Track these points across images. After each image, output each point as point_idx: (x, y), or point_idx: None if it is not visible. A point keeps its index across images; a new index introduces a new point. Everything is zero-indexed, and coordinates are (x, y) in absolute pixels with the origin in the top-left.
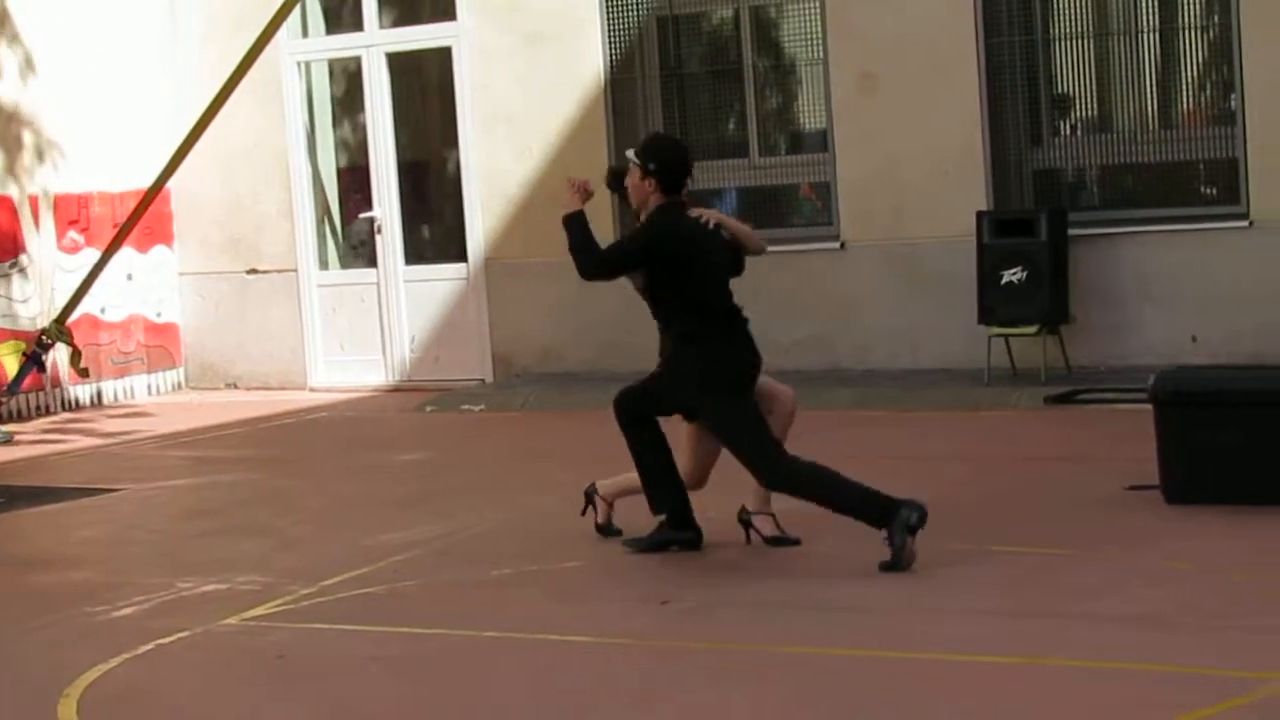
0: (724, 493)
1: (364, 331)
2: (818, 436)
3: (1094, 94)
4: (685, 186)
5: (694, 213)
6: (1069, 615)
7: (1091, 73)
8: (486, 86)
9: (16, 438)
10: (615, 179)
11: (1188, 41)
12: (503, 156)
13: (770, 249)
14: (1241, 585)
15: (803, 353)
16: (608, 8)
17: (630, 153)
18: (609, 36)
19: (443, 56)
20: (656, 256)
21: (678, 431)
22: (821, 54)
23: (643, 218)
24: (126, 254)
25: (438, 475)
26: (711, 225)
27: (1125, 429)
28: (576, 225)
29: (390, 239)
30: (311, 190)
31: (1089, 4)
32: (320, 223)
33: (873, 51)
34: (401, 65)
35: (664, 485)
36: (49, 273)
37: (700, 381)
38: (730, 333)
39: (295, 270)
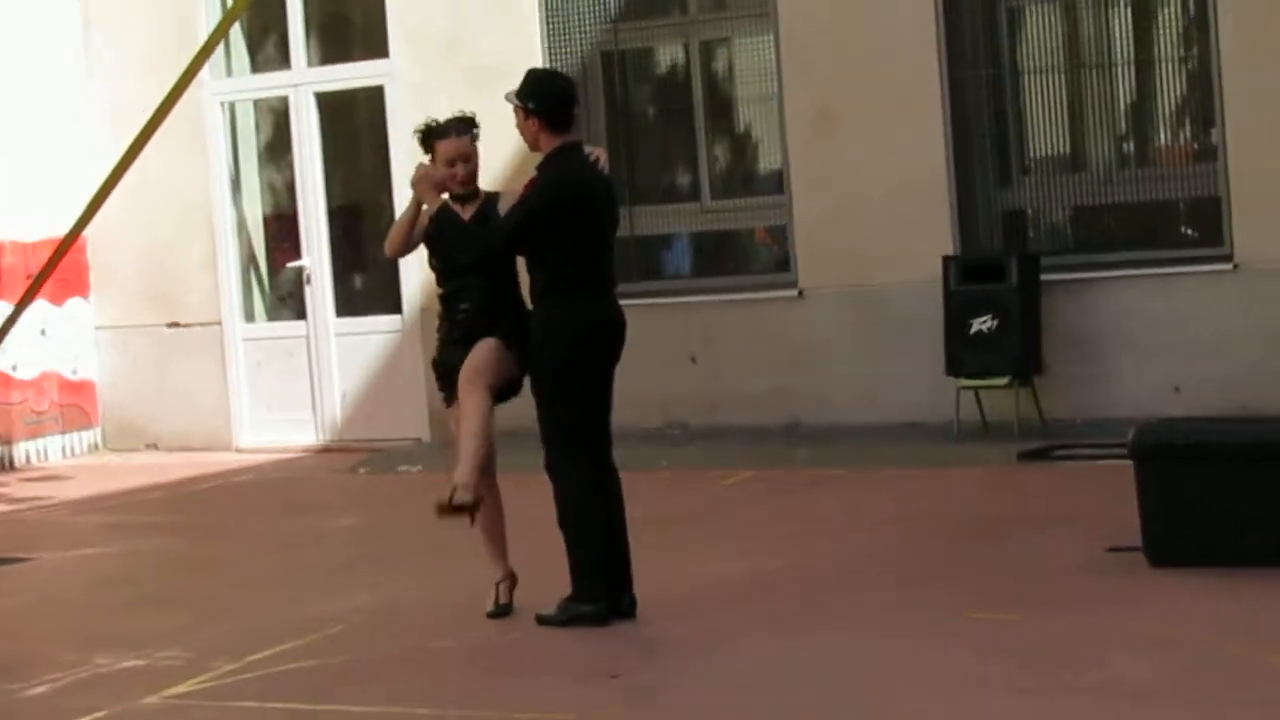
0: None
1: (293, 388)
2: (772, 500)
3: (1066, 130)
4: (574, 120)
5: (587, 150)
6: (1047, 688)
7: (1063, 107)
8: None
9: None
10: (423, 139)
11: (1165, 73)
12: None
13: (724, 297)
14: (1237, 657)
15: (759, 407)
16: (550, 44)
17: (509, 95)
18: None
19: (375, 96)
20: (556, 213)
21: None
22: (776, 89)
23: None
24: (40, 307)
25: (372, 541)
26: (604, 168)
27: (1104, 486)
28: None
29: (320, 289)
30: (236, 238)
31: (1060, 35)
32: (246, 272)
33: (830, 87)
34: (331, 105)
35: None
36: None
37: (566, 341)
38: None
39: (219, 323)
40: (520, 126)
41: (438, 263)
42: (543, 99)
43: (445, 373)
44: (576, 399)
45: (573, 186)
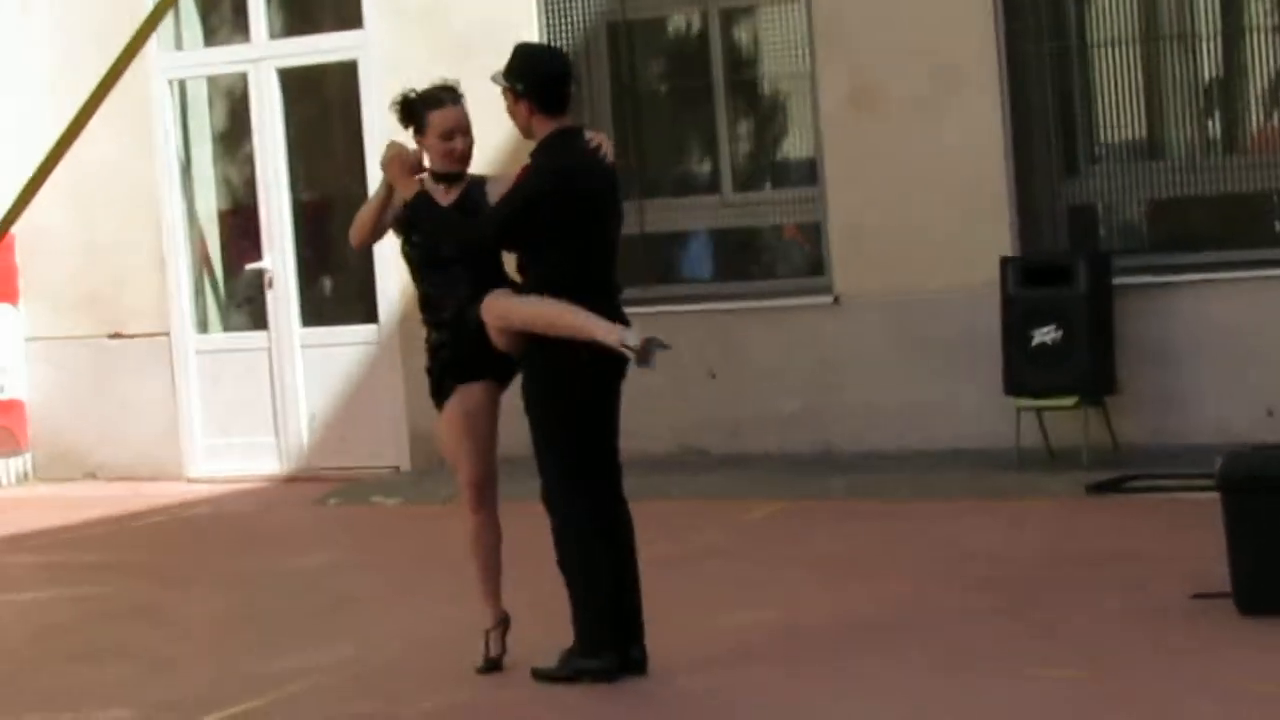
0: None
1: (253, 408)
2: (803, 537)
3: (1142, 111)
4: (569, 102)
5: (587, 135)
6: None
7: (1139, 85)
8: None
9: None
10: (406, 112)
11: (1257, 47)
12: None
13: (748, 304)
14: None
15: (788, 432)
16: (547, 11)
17: (495, 75)
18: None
19: (347, 73)
20: (552, 204)
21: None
22: (808, 64)
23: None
24: None
25: (343, 583)
26: (606, 156)
27: (1186, 522)
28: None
29: (284, 294)
30: (187, 236)
31: (1135, 1)
32: (198, 276)
33: (870, 61)
34: (297, 83)
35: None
36: None
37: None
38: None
39: (168, 334)
40: (510, 110)
41: (414, 255)
42: (533, 79)
43: (439, 375)
44: (575, 424)
45: (570, 176)
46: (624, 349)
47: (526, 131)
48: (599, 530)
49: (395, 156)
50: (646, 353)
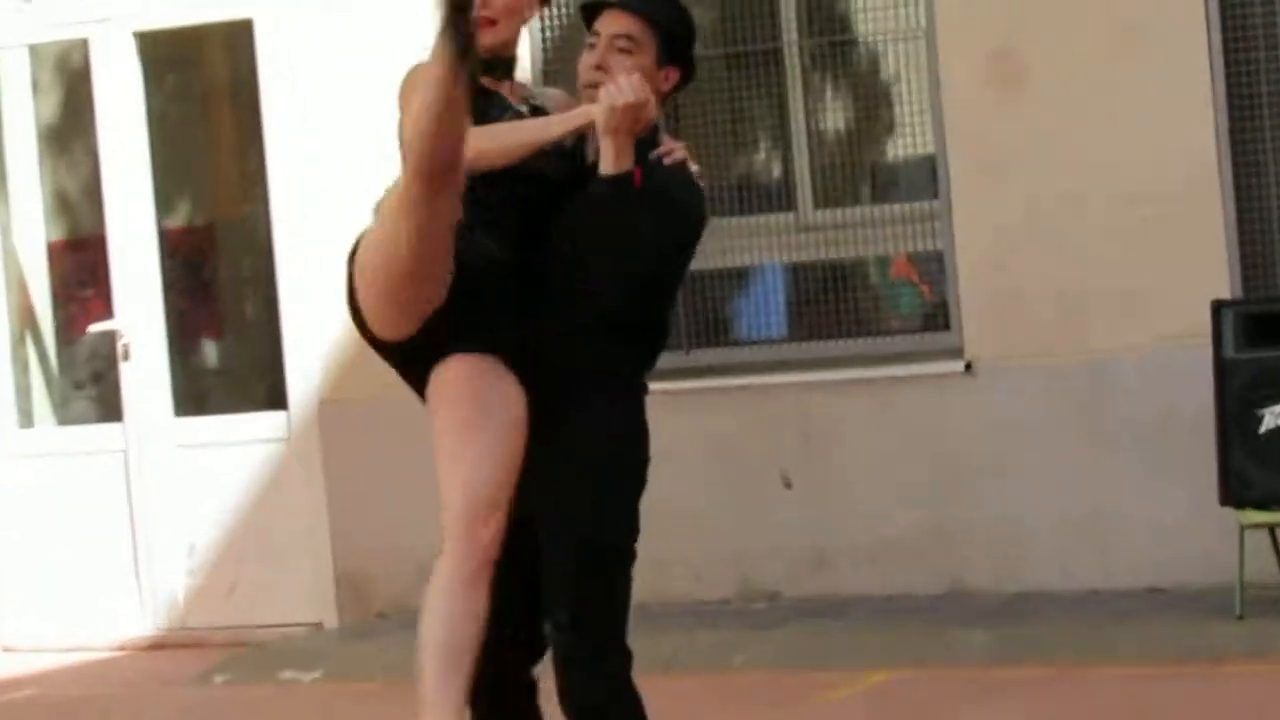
0: None
1: (102, 539)
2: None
3: None
4: None
5: (665, 143)
6: None
7: None
8: (320, 89)
9: None
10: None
11: None
12: (349, 212)
13: (838, 375)
14: None
15: (899, 559)
16: None
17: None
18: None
19: (238, 38)
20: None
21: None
22: (924, 22)
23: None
24: None
25: None
26: (697, 173)
27: None
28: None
29: (148, 370)
30: (3, 279)
31: None
32: (17, 341)
33: (1015, 16)
34: (164, 54)
35: None
36: None
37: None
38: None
39: None
40: (642, 82)
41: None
42: (688, 40)
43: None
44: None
45: (697, 222)
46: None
47: (638, 122)
48: None
49: (643, 101)
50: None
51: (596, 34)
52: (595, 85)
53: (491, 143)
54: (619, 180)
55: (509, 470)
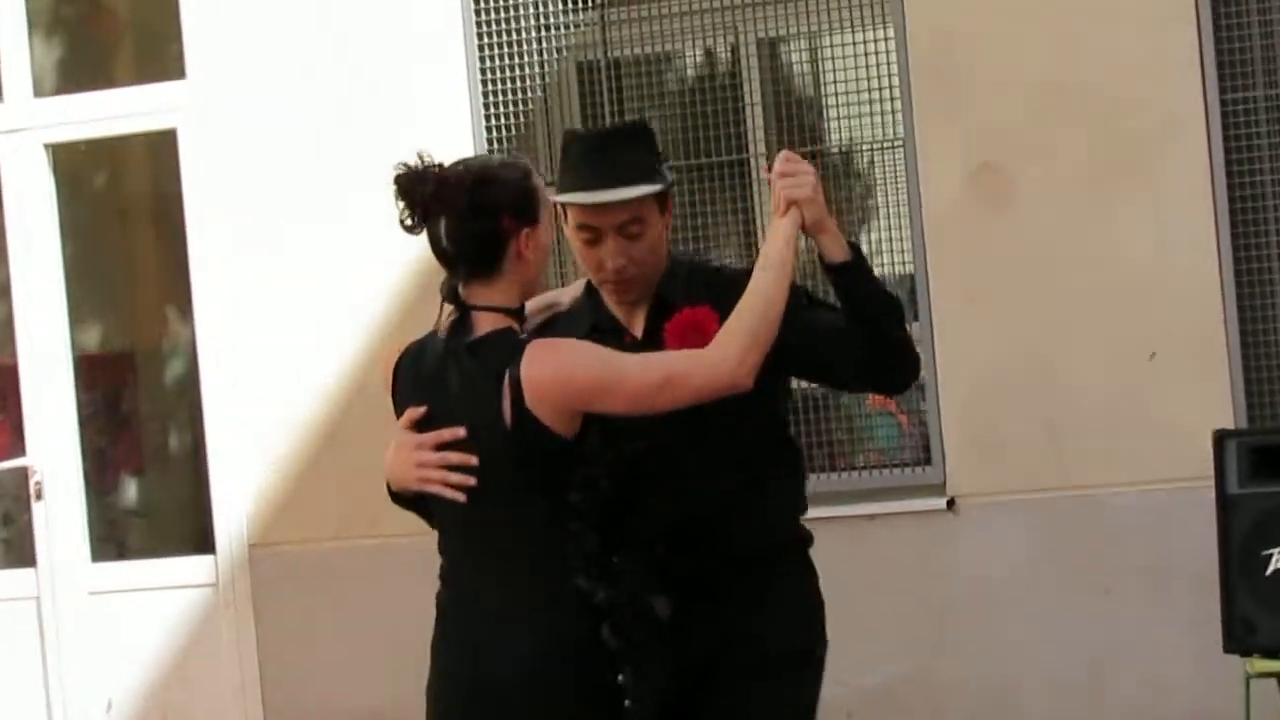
0: None
1: (12, 693)
2: None
3: None
4: None
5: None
6: None
7: None
8: (246, 200)
9: None
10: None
11: None
12: (282, 334)
13: (810, 514)
14: None
15: (876, 712)
16: (482, 49)
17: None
18: (487, 101)
19: (160, 148)
20: None
21: None
22: (902, 125)
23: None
24: None
25: None
26: None
27: None
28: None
29: (63, 510)
30: None
31: None
32: None
33: (998, 122)
34: (79, 166)
35: None
36: None
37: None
38: None
39: None
40: (649, 222)
41: None
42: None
43: None
44: None
45: None
46: None
47: (655, 252)
48: None
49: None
50: None
51: (592, 228)
52: (621, 274)
53: (759, 333)
54: (853, 265)
55: None
